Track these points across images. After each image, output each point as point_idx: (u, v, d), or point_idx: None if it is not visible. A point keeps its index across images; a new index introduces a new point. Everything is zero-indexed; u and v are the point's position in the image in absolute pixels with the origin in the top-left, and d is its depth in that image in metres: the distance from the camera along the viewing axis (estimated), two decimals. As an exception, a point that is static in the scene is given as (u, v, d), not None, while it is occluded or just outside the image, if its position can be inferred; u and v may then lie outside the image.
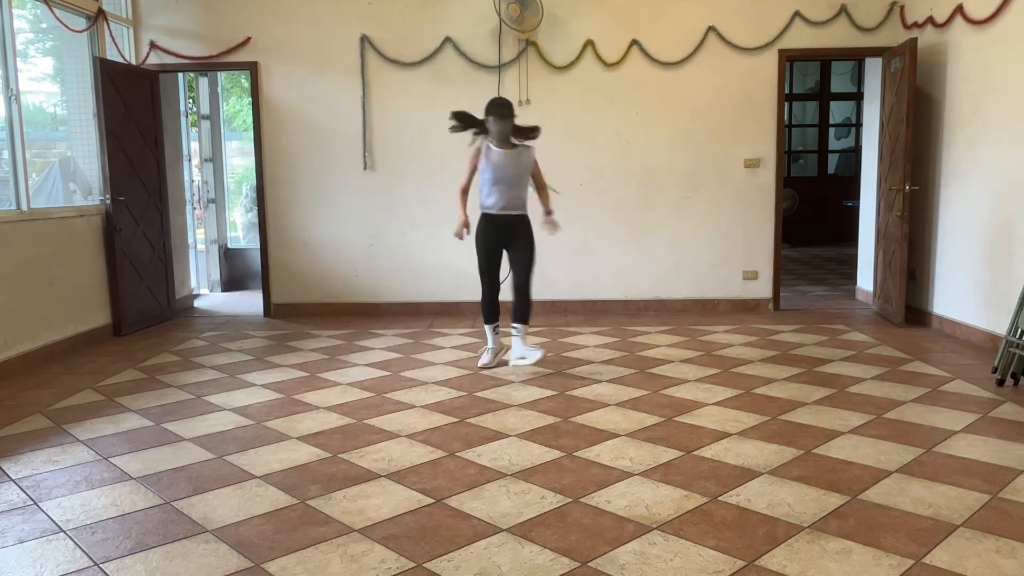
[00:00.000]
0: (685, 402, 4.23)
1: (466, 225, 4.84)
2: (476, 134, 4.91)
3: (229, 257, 8.89)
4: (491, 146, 4.86)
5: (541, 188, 5.05)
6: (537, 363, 4.93)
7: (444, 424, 3.92)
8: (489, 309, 5.04)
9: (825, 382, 4.59)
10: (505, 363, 5.09)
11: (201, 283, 8.52)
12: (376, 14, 6.75)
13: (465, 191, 4.91)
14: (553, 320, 6.64)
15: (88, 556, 2.60)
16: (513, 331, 5.00)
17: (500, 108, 4.81)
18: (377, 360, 5.32)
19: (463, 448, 3.56)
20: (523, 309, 4.97)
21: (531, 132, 4.94)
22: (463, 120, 4.88)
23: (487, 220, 4.90)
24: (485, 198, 4.88)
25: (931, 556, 2.49)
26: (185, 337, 6.22)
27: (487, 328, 5.07)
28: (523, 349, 4.95)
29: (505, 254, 4.99)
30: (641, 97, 6.77)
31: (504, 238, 4.92)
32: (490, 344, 5.08)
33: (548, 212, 4.99)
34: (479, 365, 5.06)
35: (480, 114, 4.88)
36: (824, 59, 11.19)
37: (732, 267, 6.94)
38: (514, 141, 4.90)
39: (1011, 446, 3.48)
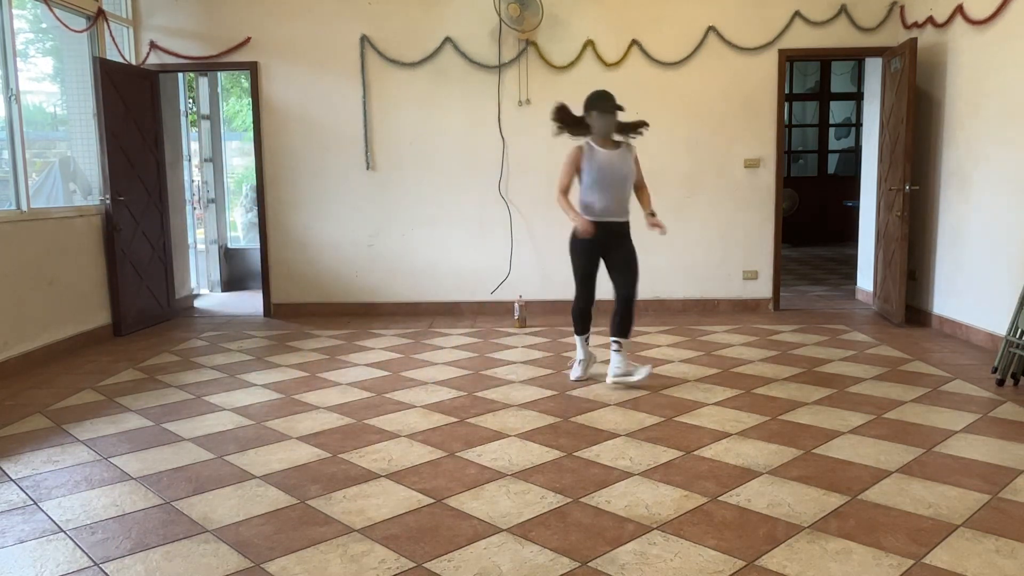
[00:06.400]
0: (685, 402, 4.23)
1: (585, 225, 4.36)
2: (575, 135, 4.49)
3: (229, 257, 8.89)
4: (593, 145, 4.44)
5: (641, 188, 4.66)
6: (640, 383, 4.48)
7: (444, 424, 3.92)
8: (584, 320, 4.65)
9: (825, 382, 4.59)
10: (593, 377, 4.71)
11: (201, 283, 8.52)
12: (376, 14, 6.75)
13: (565, 192, 4.45)
14: (553, 320, 6.64)
15: (88, 556, 2.60)
16: (613, 346, 4.52)
17: (603, 101, 4.37)
18: (377, 360, 5.32)
19: (463, 448, 3.56)
20: (627, 322, 4.51)
21: (636, 127, 4.49)
22: (565, 120, 4.45)
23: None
24: (585, 202, 4.46)
25: (931, 556, 2.49)
26: (185, 337, 6.22)
27: (579, 340, 4.67)
28: (628, 365, 4.50)
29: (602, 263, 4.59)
30: (641, 97, 6.76)
31: (604, 245, 4.49)
32: (582, 356, 4.68)
33: (651, 213, 4.59)
34: (572, 379, 4.67)
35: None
36: (824, 59, 11.19)
37: (732, 267, 6.94)
38: (617, 139, 4.48)
39: (1011, 446, 3.48)
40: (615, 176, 4.41)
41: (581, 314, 4.65)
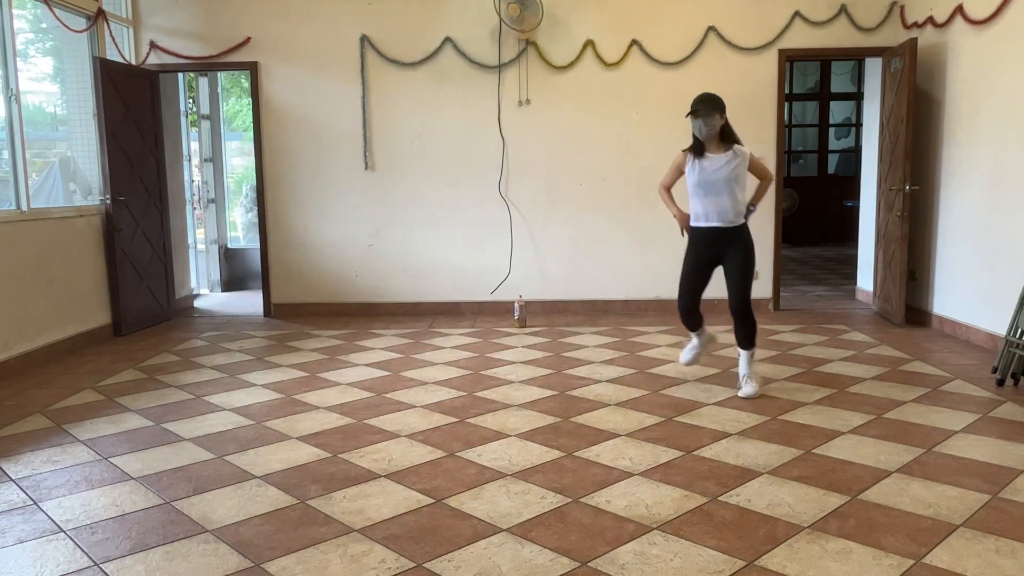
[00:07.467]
0: (685, 402, 4.23)
1: (684, 222, 4.44)
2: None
3: (229, 257, 8.89)
4: (698, 150, 4.38)
5: (760, 180, 4.47)
6: (745, 396, 4.29)
7: (444, 424, 3.92)
8: (686, 321, 4.58)
9: (825, 382, 4.59)
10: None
11: (201, 283, 8.52)
12: (376, 14, 6.75)
13: (666, 188, 4.51)
14: (553, 320, 6.64)
15: (88, 556, 2.60)
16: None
17: (696, 104, 4.29)
18: (377, 360, 5.32)
19: (463, 448, 3.56)
20: (740, 333, 4.36)
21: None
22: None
23: (694, 232, 4.43)
24: (691, 207, 4.42)
25: (931, 556, 2.49)
26: (185, 337, 6.22)
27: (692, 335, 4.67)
28: (742, 379, 4.37)
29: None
30: (641, 97, 6.77)
31: (714, 251, 4.37)
32: (693, 343, 4.67)
33: (748, 208, 4.43)
34: (682, 361, 4.76)
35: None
36: (824, 59, 11.18)
37: (732, 267, 6.93)
38: (729, 143, 4.35)
39: (1011, 446, 3.48)
40: (712, 182, 4.29)
41: (682, 315, 4.57)
